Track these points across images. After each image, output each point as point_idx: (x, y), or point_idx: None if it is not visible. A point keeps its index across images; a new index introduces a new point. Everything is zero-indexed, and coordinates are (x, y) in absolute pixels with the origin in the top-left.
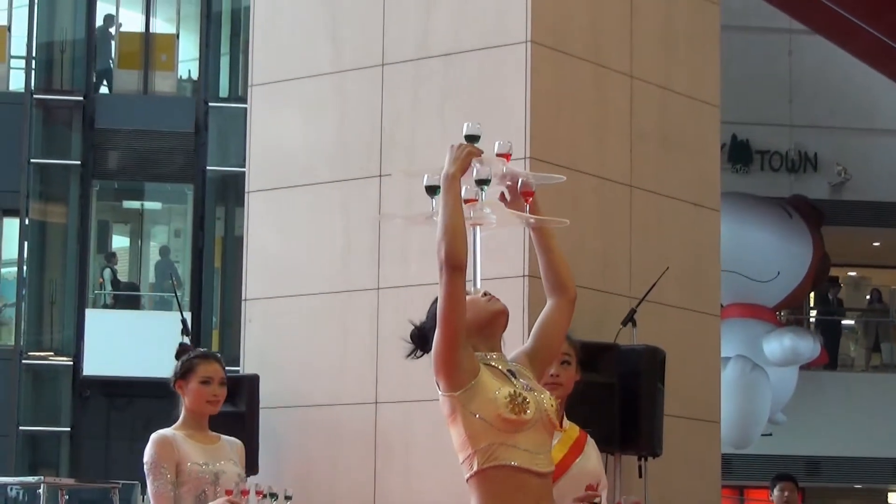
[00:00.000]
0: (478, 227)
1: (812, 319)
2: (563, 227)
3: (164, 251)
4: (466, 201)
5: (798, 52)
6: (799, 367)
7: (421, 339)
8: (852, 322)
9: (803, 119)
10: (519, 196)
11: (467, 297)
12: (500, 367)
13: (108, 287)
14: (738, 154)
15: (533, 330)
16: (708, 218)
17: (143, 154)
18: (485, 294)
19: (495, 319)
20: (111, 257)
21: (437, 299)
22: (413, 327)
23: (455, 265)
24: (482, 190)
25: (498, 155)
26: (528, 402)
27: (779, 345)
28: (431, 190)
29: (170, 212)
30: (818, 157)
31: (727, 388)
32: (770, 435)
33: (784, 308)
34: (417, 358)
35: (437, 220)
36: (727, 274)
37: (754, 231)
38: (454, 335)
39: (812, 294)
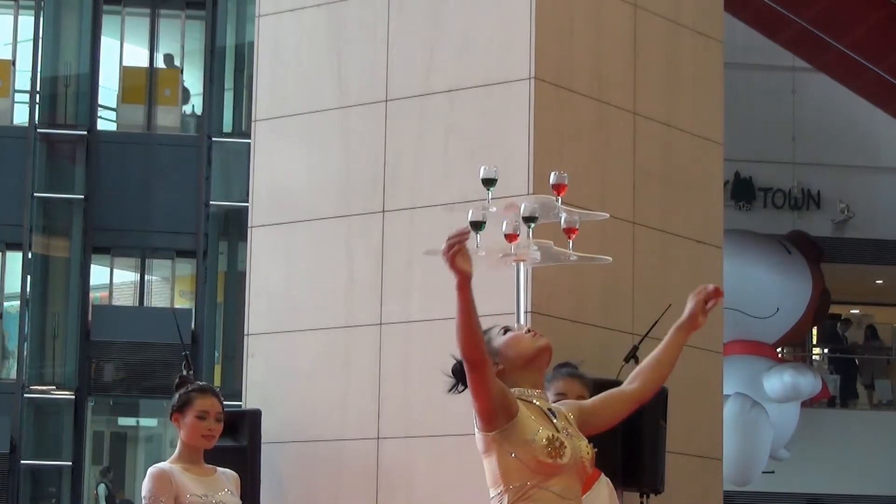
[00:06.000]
0: (521, 264)
1: (816, 356)
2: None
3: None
4: (509, 237)
5: (801, 91)
6: (801, 404)
7: (462, 374)
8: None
9: (806, 157)
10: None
11: (512, 334)
12: (540, 406)
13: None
14: (741, 191)
15: (602, 396)
16: (711, 255)
17: (138, 367)
18: (529, 330)
19: (539, 356)
20: (106, 472)
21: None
22: (455, 361)
23: (471, 361)
24: (529, 227)
25: (553, 185)
26: (566, 448)
27: (779, 381)
28: (476, 226)
29: (165, 425)
30: (821, 195)
31: (727, 426)
32: (772, 472)
33: (784, 344)
34: (459, 392)
35: (481, 255)
36: (727, 311)
37: (753, 267)
38: (487, 397)
39: (815, 331)
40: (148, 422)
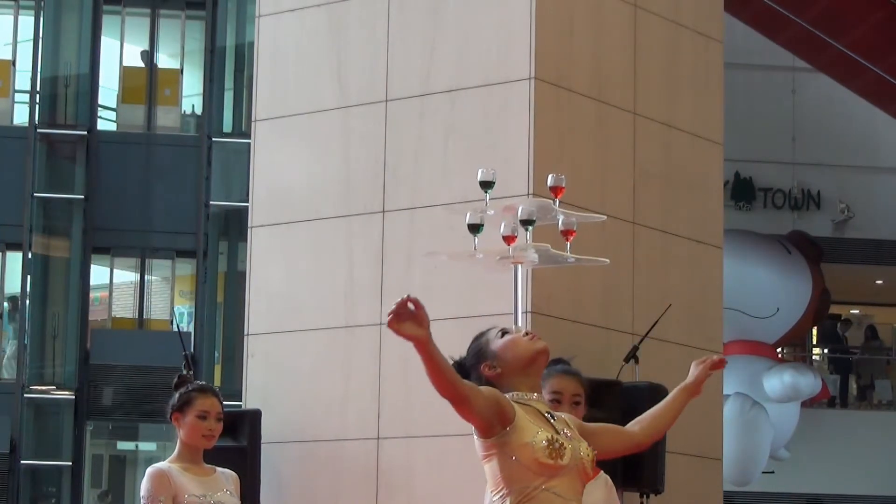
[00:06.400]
0: (519, 266)
1: (816, 356)
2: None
3: None
4: (507, 240)
5: (801, 91)
6: (801, 404)
7: (463, 372)
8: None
9: (806, 157)
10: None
11: (509, 337)
12: (538, 409)
13: None
14: (741, 191)
15: (604, 425)
16: (711, 255)
17: (137, 391)
18: (526, 333)
19: (537, 359)
20: (105, 496)
21: (478, 335)
22: (454, 362)
23: (450, 400)
24: (527, 230)
25: (551, 188)
26: (566, 448)
27: (779, 381)
28: (473, 228)
29: (164, 449)
30: (821, 195)
31: (727, 426)
32: (772, 472)
33: (785, 344)
34: None
35: (479, 257)
36: (727, 311)
37: (753, 267)
38: (477, 418)
39: (815, 331)
40: (147, 446)
